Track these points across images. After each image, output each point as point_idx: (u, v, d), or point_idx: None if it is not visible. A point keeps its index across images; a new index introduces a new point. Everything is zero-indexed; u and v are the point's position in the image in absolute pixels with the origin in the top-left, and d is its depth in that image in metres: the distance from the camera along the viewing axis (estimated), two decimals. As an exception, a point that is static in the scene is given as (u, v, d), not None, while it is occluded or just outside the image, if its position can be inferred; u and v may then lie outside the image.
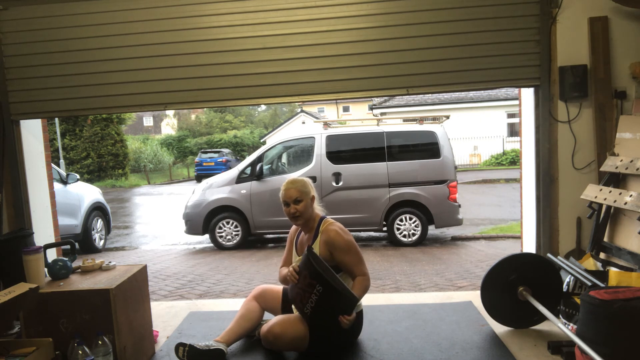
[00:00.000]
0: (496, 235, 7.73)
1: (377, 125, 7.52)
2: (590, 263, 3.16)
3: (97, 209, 7.51)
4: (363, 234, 8.03)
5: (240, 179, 7.33)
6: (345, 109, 36.96)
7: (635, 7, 3.30)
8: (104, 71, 3.63)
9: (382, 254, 6.46)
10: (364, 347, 2.83)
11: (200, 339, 2.89)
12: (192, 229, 7.45)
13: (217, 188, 7.40)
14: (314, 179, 6.79)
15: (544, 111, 3.48)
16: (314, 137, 7.33)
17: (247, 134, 35.17)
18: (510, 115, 21.80)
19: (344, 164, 7.16)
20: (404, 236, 7.07)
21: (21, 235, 3.31)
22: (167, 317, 3.50)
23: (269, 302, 2.95)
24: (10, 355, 2.22)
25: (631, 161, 3.05)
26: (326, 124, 7.62)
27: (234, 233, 7.32)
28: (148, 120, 45.60)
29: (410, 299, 3.78)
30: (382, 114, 21.01)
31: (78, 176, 7.49)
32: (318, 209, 2.88)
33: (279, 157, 8.06)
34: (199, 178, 21.81)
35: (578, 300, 2.64)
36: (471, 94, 21.24)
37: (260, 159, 7.38)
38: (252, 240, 7.98)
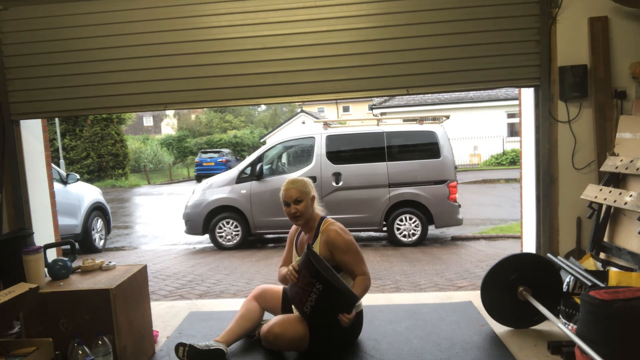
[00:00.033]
0: (496, 235, 7.73)
1: (377, 125, 7.52)
2: (590, 263, 3.16)
3: (97, 209, 7.51)
4: (363, 234, 8.03)
5: (240, 179, 7.33)
6: (345, 109, 36.96)
7: (635, 7, 3.30)
8: (104, 71, 3.63)
9: (382, 254, 6.46)
10: (364, 347, 2.83)
11: (200, 339, 2.89)
12: (192, 229, 7.45)
13: (217, 188, 7.40)
14: (314, 179, 6.79)
15: (544, 111, 3.48)
16: (314, 137, 7.33)
17: (247, 134, 35.18)
18: (510, 115, 21.80)
19: (344, 164, 7.16)
20: (404, 236, 7.07)
21: (21, 235, 3.31)
22: (167, 317, 3.50)
23: (269, 302, 2.95)
24: (10, 355, 2.22)
25: (631, 161, 3.05)
26: (326, 124, 7.62)
27: (234, 233, 7.32)
28: (148, 120, 45.60)
29: (410, 299, 3.78)
30: (382, 114, 21.01)
31: (78, 176, 7.49)
32: (318, 209, 2.88)
33: (279, 157, 8.07)
34: (199, 178, 21.81)
35: (578, 300, 2.64)
36: (471, 94, 21.25)
37: (260, 159, 7.39)
38: (252, 240, 7.98)
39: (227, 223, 7.31)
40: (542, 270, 2.93)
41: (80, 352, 2.23)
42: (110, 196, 16.00)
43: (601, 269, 3.10)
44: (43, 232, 3.84)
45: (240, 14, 3.54)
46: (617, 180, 3.21)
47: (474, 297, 3.54)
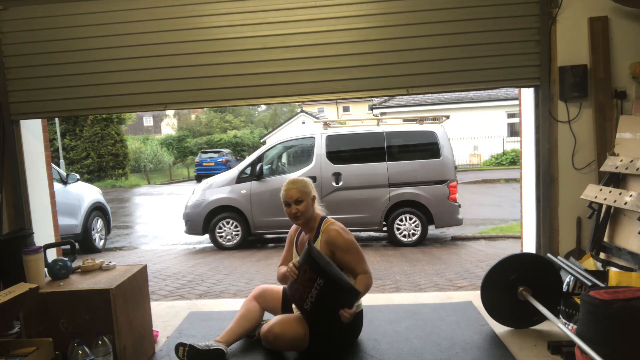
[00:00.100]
0: (496, 235, 7.73)
1: (377, 125, 7.52)
2: (590, 263, 3.16)
3: (97, 209, 7.51)
4: (363, 234, 8.03)
5: (240, 179, 7.33)
6: (345, 109, 36.96)
7: (635, 7, 3.30)
8: (104, 71, 3.63)
9: (382, 254, 6.46)
10: (364, 347, 2.83)
11: (200, 339, 2.89)
12: (192, 229, 7.45)
13: (217, 188, 7.40)
14: (314, 179, 6.79)
15: (544, 111, 3.48)
16: (314, 137, 7.33)
17: (247, 134, 35.18)
18: (510, 115, 21.80)
19: (344, 164, 7.16)
20: (404, 236, 7.07)
21: (21, 235, 3.31)
22: (167, 317, 3.50)
23: (269, 302, 2.95)
24: (10, 355, 2.22)
25: (631, 161, 3.05)
26: (326, 124, 7.62)
27: (234, 233, 7.32)
28: (148, 120, 45.60)
29: (410, 299, 3.78)
30: (382, 114, 21.01)
31: (78, 176, 7.49)
32: (319, 209, 2.88)
33: (279, 157, 8.07)
34: (199, 178, 21.81)
35: (578, 300, 2.64)
36: (471, 94, 21.25)
37: (260, 159, 7.39)
38: (252, 240, 7.98)
39: (227, 223, 7.31)
40: (542, 270, 2.93)
41: (80, 352, 2.23)
42: (110, 196, 16.00)
43: (601, 269, 3.10)
44: (43, 232, 3.84)
45: (240, 14, 3.54)
46: (617, 180, 3.21)
47: (474, 297, 3.54)
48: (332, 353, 2.75)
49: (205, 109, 36.02)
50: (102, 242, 7.64)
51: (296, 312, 2.81)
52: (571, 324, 2.78)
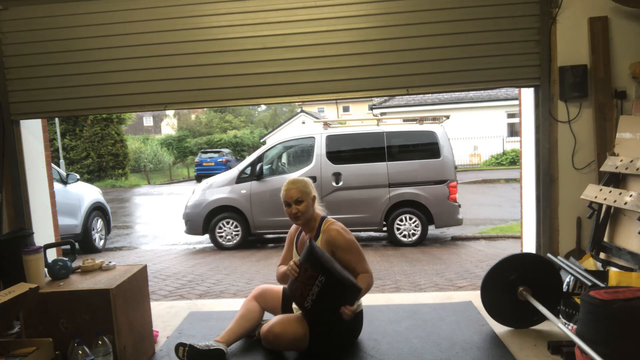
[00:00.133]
0: (496, 235, 7.73)
1: (377, 125, 7.52)
2: (590, 263, 3.16)
3: (97, 209, 7.51)
4: (363, 234, 8.03)
5: (240, 179, 7.33)
6: (345, 109, 36.96)
7: (635, 7, 3.30)
8: (104, 71, 3.63)
9: (382, 254, 6.46)
10: (364, 347, 2.83)
11: (200, 339, 2.89)
12: (192, 229, 7.45)
13: (217, 188, 7.40)
14: (314, 179, 6.79)
15: (544, 111, 3.48)
16: (314, 137, 7.33)
17: (247, 134, 35.17)
18: (510, 115, 21.80)
19: (344, 164, 7.16)
20: (404, 236, 7.07)
21: (21, 235, 3.31)
22: (167, 317, 3.50)
23: (269, 302, 2.95)
24: (10, 355, 2.22)
25: (631, 161, 3.05)
26: (326, 124, 7.62)
27: (234, 233, 7.32)
28: (148, 120, 45.60)
29: (410, 299, 3.78)
30: (382, 114, 21.01)
31: (78, 176, 7.49)
32: (319, 209, 2.88)
33: (279, 157, 8.07)
34: (199, 178, 21.81)
35: (578, 300, 2.64)
36: (471, 94, 21.24)
37: (260, 159, 7.39)
38: (252, 240, 7.98)
39: (227, 223, 7.31)
40: (542, 270, 2.93)
41: (80, 352, 2.23)
42: (110, 196, 16.00)
43: (601, 269, 3.10)
44: (43, 232, 3.84)
45: (240, 14, 3.54)
46: (617, 180, 3.21)
47: (474, 297, 3.54)
48: (332, 353, 2.75)
49: (205, 109, 36.02)
50: (102, 242, 7.64)
51: (296, 312, 2.81)
52: (571, 324, 2.78)
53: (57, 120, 19.35)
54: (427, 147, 7.13)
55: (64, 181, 6.95)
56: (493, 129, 21.86)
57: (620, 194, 3.02)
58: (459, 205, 7.07)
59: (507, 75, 3.48)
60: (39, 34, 3.63)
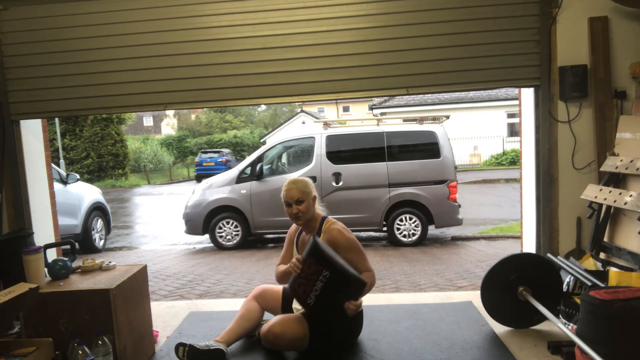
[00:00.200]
0: (496, 235, 7.73)
1: (377, 125, 7.52)
2: (590, 263, 3.16)
3: (97, 209, 7.51)
4: (363, 234, 8.03)
5: (240, 179, 7.33)
6: (345, 109, 36.96)
7: (635, 7, 3.30)
8: (104, 71, 3.63)
9: (382, 254, 6.46)
10: (364, 347, 2.83)
11: (200, 339, 2.89)
12: (192, 229, 7.45)
13: (217, 188, 7.40)
14: (314, 179, 6.79)
15: (544, 111, 3.48)
16: (314, 137, 7.33)
17: (247, 134, 35.17)
18: (510, 115, 21.80)
19: (344, 164, 7.16)
20: (404, 236, 7.07)
21: (21, 235, 3.31)
22: (167, 317, 3.50)
23: (269, 302, 2.95)
24: (10, 355, 2.22)
25: (631, 161, 3.05)
26: (326, 124, 7.62)
27: (234, 233, 7.32)
28: (148, 120, 45.60)
29: (410, 299, 3.78)
30: (382, 114, 21.01)
31: (78, 176, 7.49)
32: (319, 208, 2.88)
33: (279, 157, 8.07)
34: (199, 178, 21.81)
35: (578, 300, 2.64)
36: (471, 94, 21.24)
37: (260, 159, 7.39)
38: (252, 240, 7.98)
39: (227, 223, 7.31)
40: (542, 270, 2.93)
41: (80, 352, 2.23)
42: (110, 196, 16.00)
43: (601, 269, 3.10)
44: (43, 232, 3.84)
45: (240, 14, 3.54)
46: (617, 180, 3.21)
47: (474, 297, 3.54)
48: (332, 353, 2.75)
49: (205, 109, 36.02)
50: (102, 242, 7.64)
51: (296, 312, 2.81)
52: (571, 324, 2.78)
53: (57, 120, 19.35)
54: (427, 147, 7.13)
55: (64, 181, 6.95)
56: (493, 129, 21.86)
57: (620, 194, 3.02)
58: (459, 205, 7.07)
59: (507, 75, 3.48)
60: (39, 34, 3.63)
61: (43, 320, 2.44)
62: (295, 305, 2.85)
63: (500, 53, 3.44)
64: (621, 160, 3.13)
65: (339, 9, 3.49)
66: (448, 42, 3.45)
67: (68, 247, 3.48)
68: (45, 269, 2.67)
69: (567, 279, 2.97)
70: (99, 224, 7.58)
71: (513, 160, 20.84)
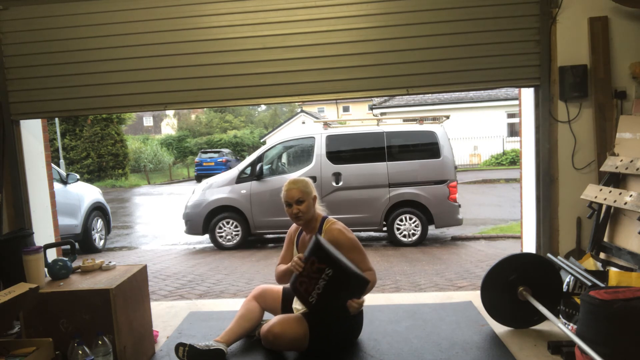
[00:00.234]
0: (496, 235, 7.73)
1: (377, 125, 7.52)
2: (590, 263, 3.16)
3: (97, 209, 7.51)
4: (363, 234, 8.02)
5: (240, 179, 7.33)
6: (345, 109, 36.96)
7: (635, 7, 3.30)
8: (104, 71, 3.63)
9: (382, 254, 6.46)
10: (364, 347, 2.83)
11: (200, 339, 2.89)
12: (192, 229, 7.45)
13: (217, 188, 7.40)
14: (314, 179, 6.78)
15: (544, 111, 3.48)
16: (314, 137, 7.33)
17: (247, 134, 35.17)
18: (510, 115, 21.80)
19: (344, 164, 7.16)
20: (404, 236, 7.07)
21: (21, 235, 3.31)
22: (167, 317, 3.50)
23: (269, 302, 2.95)
24: (10, 355, 2.22)
25: (631, 161, 3.05)
26: (326, 124, 7.62)
27: (234, 233, 7.32)
28: (148, 120, 45.60)
29: (410, 299, 3.78)
30: (382, 114, 21.01)
31: (78, 176, 7.49)
32: (320, 208, 2.88)
33: (279, 157, 8.07)
34: (199, 178, 21.81)
35: (578, 300, 2.64)
36: (471, 94, 21.24)
37: (260, 159, 7.39)
38: (252, 240, 7.98)
39: (227, 223, 7.31)
40: (542, 270, 2.93)
41: (80, 352, 2.23)
42: (110, 196, 16.00)
43: (601, 269, 3.10)
44: (43, 232, 3.84)
45: (240, 14, 3.54)
46: (617, 180, 3.21)
47: (474, 297, 3.54)
48: (332, 353, 2.75)
49: (205, 109, 36.02)
50: (102, 242, 7.64)
51: (296, 312, 2.81)
52: (571, 324, 2.78)
53: (57, 120, 19.35)
54: (427, 147, 7.13)
55: (64, 181, 6.95)
56: (493, 129, 21.86)
57: (620, 194, 3.02)
58: (459, 205, 7.07)
59: (507, 75, 3.48)
60: (39, 34, 3.63)
61: (43, 320, 2.44)
62: (295, 305, 2.85)
63: (500, 53, 3.44)
64: (621, 160, 3.13)
65: (339, 9, 3.49)
66: (448, 42, 3.45)
67: (68, 247, 3.48)
68: (45, 269, 2.67)
69: (567, 279, 2.97)
70: (99, 224, 7.58)
71: (513, 160, 20.84)
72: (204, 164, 23.51)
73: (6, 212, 3.71)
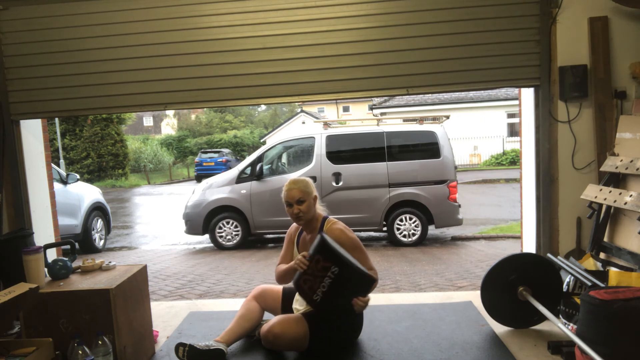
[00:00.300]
0: (496, 235, 7.73)
1: (377, 125, 7.52)
2: (590, 263, 3.16)
3: (97, 209, 7.51)
4: (363, 234, 8.02)
5: (240, 179, 7.33)
6: (345, 109, 36.96)
7: (635, 7, 3.30)
8: (104, 71, 3.63)
9: (382, 254, 6.46)
10: (364, 347, 2.83)
11: (200, 339, 2.89)
12: (192, 229, 7.45)
13: (217, 188, 7.40)
14: (314, 179, 6.77)
15: (544, 111, 3.48)
16: (314, 137, 7.33)
17: (247, 134, 35.17)
18: (510, 115, 21.80)
19: (344, 164, 7.16)
20: (404, 236, 7.07)
21: (21, 235, 3.31)
22: (167, 317, 3.50)
23: (269, 302, 2.95)
24: (10, 355, 2.22)
25: (631, 161, 3.05)
26: (326, 124, 7.62)
27: (234, 233, 7.32)
28: (148, 120, 45.60)
29: (410, 299, 3.78)
30: (382, 114, 21.01)
31: (78, 176, 7.49)
32: (320, 208, 2.88)
33: (279, 157, 8.07)
34: (199, 178, 21.81)
35: (578, 300, 2.64)
36: (471, 94, 21.24)
37: (260, 159, 7.39)
38: (252, 240, 7.98)
39: (227, 223, 7.31)
40: (542, 270, 2.93)
41: (80, 352, 2.23)
42: (110, 196, 16.00)
43: (601, 269, 3.10)
44: (43, 232, 3.84)
45: (240, 14, 3.54)
46: (617, 180, 3.21)
47: (474, 297, 3.54)
48: (332, 353, 2.75)
49: (205, 109, 36.03)
50: (102, 242, 7.64)
51: (296, 312, 2.81)
52: (571, 324, 2.78)
53: (57, 120, 19.35)
54: (427, 147, 7.13)
55: (64, 181, 6.95)
56: (493, 129, 21.86)
57: (620, 194, 3.02)
58: (459, 205, 7.07)
59: (507, 75, 3.48)
60: (39, 34, 3.63)
61: (43, 320, 2.44)
62: (296, 305, 2.85)
63: (500, 53, 3.44)
64: (621, 160, 3.13)
65: (339, 9, 3.49)
66: (448, 42, 3.45)
67: (68, 247, 3.48)
68: (45, 269, 2.67)
69: (567, 279, 2.97)
70: (99, 224, 7.58)
71: (513, 160, 20.85)
72: (204, 164, 23.52)
73: (6, 212, 3.71)
